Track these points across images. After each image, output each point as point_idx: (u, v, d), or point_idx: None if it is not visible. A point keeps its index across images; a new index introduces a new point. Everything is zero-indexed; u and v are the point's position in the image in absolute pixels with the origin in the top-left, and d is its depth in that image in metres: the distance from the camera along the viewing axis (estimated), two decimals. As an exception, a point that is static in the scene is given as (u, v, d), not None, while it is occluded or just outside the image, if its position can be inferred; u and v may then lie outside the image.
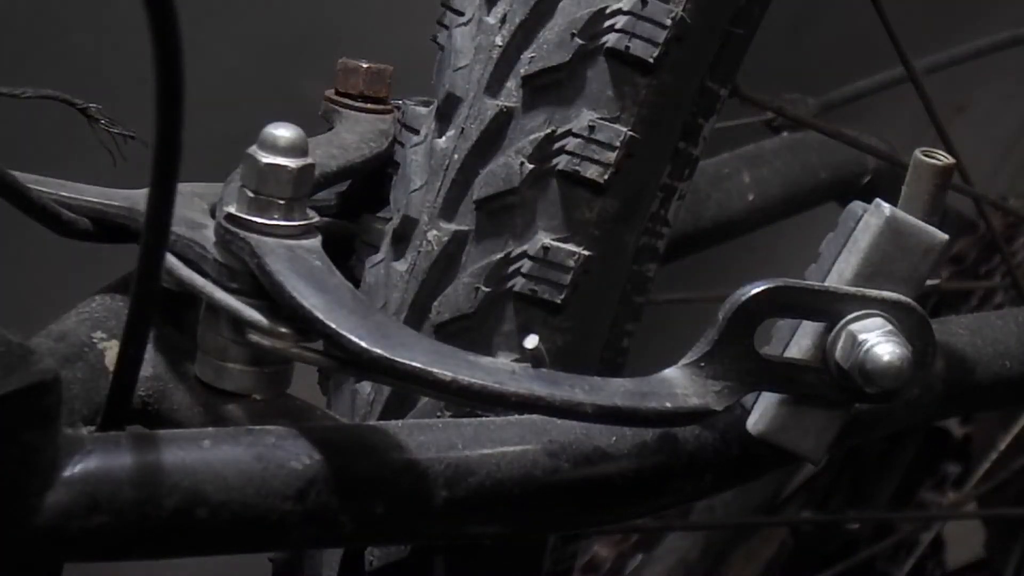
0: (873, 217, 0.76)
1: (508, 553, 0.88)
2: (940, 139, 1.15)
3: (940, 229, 0.77)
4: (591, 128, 0.84)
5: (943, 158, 0.76)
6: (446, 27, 0.89)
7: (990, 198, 1.42)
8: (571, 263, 0.85)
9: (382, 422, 0.79)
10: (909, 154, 0.77)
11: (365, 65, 0.93)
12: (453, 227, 0.86)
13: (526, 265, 0.85)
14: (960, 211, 1.64)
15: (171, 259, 0.77)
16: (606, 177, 0.84)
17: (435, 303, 0.86)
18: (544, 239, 0.84)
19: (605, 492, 0.78)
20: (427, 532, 0.76)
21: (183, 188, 0.78)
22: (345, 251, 0.91)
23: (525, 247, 0.85)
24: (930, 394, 0.84)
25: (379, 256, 0.89)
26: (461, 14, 0.88)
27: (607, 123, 0.84)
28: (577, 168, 0.84)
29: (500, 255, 0.85)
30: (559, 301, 0.85)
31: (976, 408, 1.39)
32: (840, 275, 0.76)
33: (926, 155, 0.76)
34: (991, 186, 1.93)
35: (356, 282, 0.90)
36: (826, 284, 0.76)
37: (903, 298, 0.76)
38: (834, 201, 1.41)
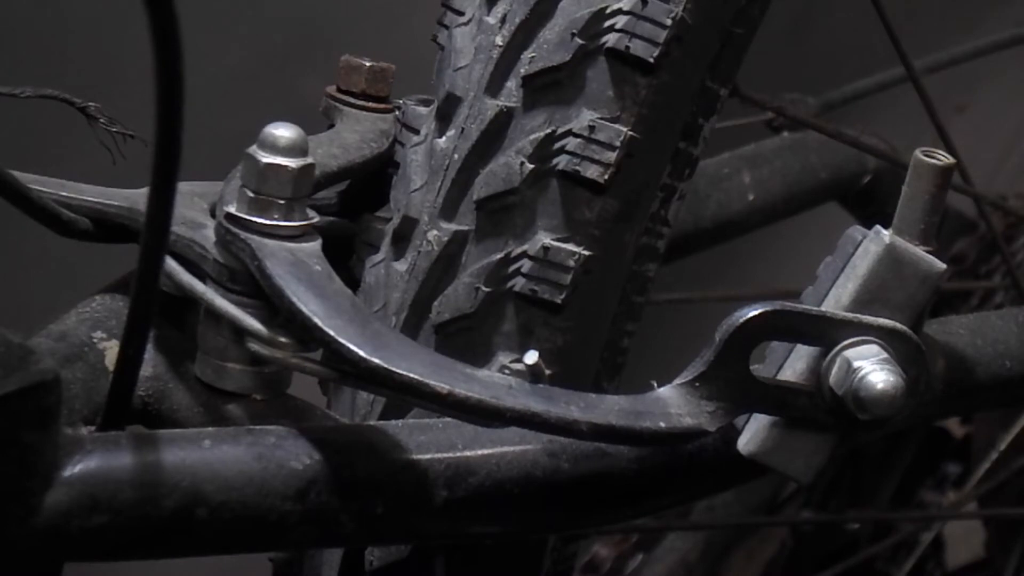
0: (872, 243, 0.76)
1: (508, 553, 0.88)
2: (940, 139, 1.15)
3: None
4: (591, 128, 0.84)
5: (943, 158, 0.76)
6: (446, 27, 0.89)
7: (990, 198, 1.42)
8: (571, 263, 0.85)
9: (382, 422, 0.79)
10: (909, 154, 0.77)
11: (368, 63, 0.93)
12: (453, 227, 0.86)
13: (526, 265, 0.85)
14: (960, 211, 1.64)
15: (171, 263, 0.77)
16: (606, 177, 0.84)
17: (435, 303, 0.86)
18: (544, 239, 0.84)
19: (605, 492, 0.78)
20: (427, 532, 0.76)
21: (183, 188, 0.78)
22: (345, 251, 0.91)
23: (525, 247, 0.85)
24: (930, 394, 0.84)
25: (379, 256, 0.89)
26: (461, 14, 0.88)
27: (607, 123, 0.84)
28: (577, 168, 0.84)
29: (500, 255, 0.85)
30: (559, 301, 0.85)
31: (976, 408, 1.39)
32: (837, 300, 0.76)
33: (926, 155, 0.76)
34: (991, 186, 1.92)
35: (356, 282, 0.90)
36: (823, 309, 0.76)
37: (899, 326, 0.76)
38: (834, 201, 1.42)
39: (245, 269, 0.76)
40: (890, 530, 1.69)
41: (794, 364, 0.76)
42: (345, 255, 0.91)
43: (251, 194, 0.76)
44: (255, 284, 0.75)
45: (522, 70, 0.85)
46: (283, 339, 0.74)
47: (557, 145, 0.84)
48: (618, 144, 0.84)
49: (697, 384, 0.74)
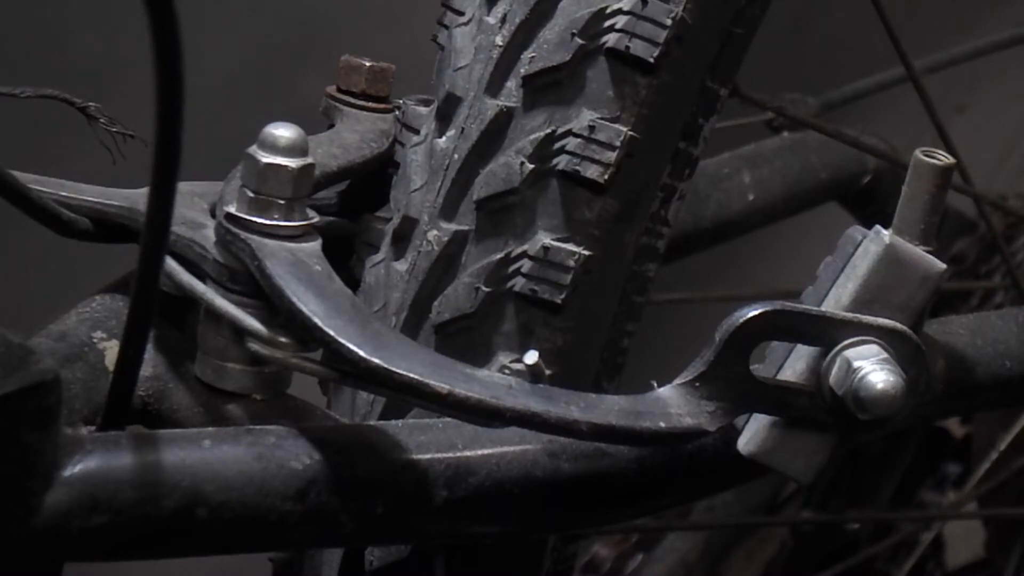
0: (872, 244, 0.76)
1: (508, 553, 0.88)
2: (940, 139, 1.15)
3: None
4: (591, 128, 0.84)
5: (943, 158, 0.76)
6: (446, 27, 0.89)
7: (990, 198, 1.42)
8: (571, 263, 0.85)
9: (382, 422, 0.79)
10: (909, 154, 0.77)
11: (368, 63, 0.93)
12: (453, 227, 0.86)
13: (526, 265, 0.85)
14: (960, 211, 1.64)
15: (171, 263, 0.77)
16: (606, 177, 0.84)
17: (435, 303, 0.86)
18: (544, 239, 0.84)
19: (605, 492, 0.78)
20: (427, 532, 0.76)
21: (183, 188, 0.78)
22: (345, 251, 0.91)
23: (525, 247, 0.85)
24: (930, 394, 0.84)
25: (379, 256, 0.89)
26: (461, 14, 0.88)
27: (607, 123, 0.84)
28: (577, 168, 0.84)
29: (500, 255, 0.85)
30: (559, 301, 0.85)
31: (976, 408, 1.39)
32: (837, 300, 0.76)
33: (926, 155, 0.76)
34: (991, 186, 1.93)
35: (356, 282, 0.90)
36: (823, 309, 0.76)
37: (899, 326, 0.76)
38: (834, 201, 1.42)
39: (245, 269, 0.76)
40: (890, 530, 1.69)
41: (794, 364, 0.76)
42: (345, 255, 0.91)
43: (251, 194, 0.76)
44: (255, 284, 0.75)
45: (522, 70, 0.85)
46: (283, 339, 0.74)
47: (557, 145, 0.84)
48: (618, 144, 0.84)
49: (697, 384, 0.74)
